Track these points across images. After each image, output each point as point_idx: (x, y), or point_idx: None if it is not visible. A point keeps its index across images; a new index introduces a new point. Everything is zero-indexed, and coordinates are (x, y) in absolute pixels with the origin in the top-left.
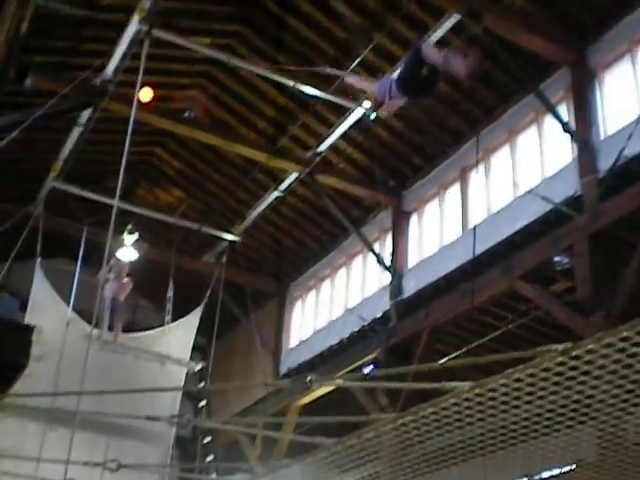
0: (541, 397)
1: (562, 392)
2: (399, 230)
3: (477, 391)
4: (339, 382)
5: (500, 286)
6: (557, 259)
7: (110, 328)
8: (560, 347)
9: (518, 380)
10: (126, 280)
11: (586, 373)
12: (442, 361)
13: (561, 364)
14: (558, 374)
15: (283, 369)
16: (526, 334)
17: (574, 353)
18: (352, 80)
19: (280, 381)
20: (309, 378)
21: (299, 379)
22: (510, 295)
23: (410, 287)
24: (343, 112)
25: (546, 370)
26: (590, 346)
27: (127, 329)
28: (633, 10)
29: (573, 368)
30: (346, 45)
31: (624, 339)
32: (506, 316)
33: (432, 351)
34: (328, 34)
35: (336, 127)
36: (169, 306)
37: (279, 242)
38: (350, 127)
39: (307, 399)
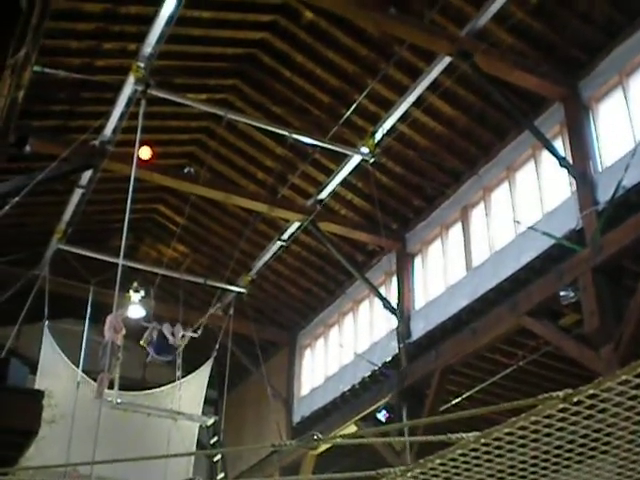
0: (549, 436)
1: (569, 430)
2: (404, 273)
3: (483, 440)
4: (344, 440)
5: (508, 323)
6: (563, 293)
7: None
8: (561, 394)
9: (523, 428)
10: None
11: (589, 417)
12: (444, 415)
13: (564, 410)
14: (562, 419)
15: (296, 418)
16: (537, 370)
17: (575, 399)
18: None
19: (287, 442)
20: (315, 437)
21: (305, 439)
22: (518, 332)
23: (418, 329)
24: (342, 159)
25: (549, 417)
26: (590, 391)
27: (138, 386)
28: (622, 41)
29: (576, 413)
30: (340, 93)
31: (624, 382)
32: (516, 353)
33: (444, 392)
34: (322, 83)
35: (335, 174)
36: (179, 361)
37: (285, 291)
38: (349, 173)
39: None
